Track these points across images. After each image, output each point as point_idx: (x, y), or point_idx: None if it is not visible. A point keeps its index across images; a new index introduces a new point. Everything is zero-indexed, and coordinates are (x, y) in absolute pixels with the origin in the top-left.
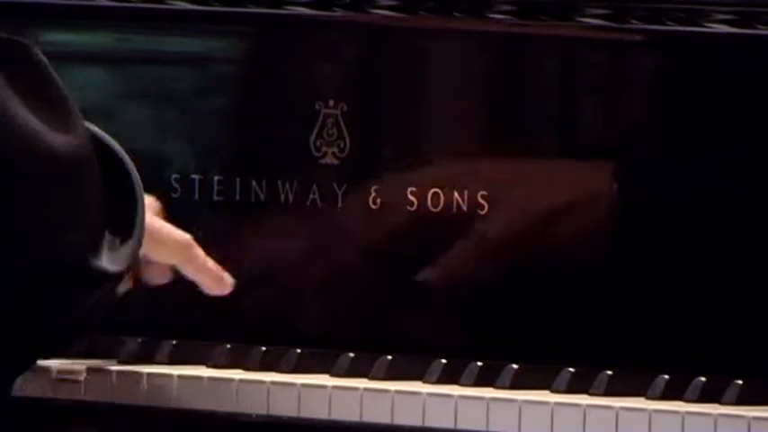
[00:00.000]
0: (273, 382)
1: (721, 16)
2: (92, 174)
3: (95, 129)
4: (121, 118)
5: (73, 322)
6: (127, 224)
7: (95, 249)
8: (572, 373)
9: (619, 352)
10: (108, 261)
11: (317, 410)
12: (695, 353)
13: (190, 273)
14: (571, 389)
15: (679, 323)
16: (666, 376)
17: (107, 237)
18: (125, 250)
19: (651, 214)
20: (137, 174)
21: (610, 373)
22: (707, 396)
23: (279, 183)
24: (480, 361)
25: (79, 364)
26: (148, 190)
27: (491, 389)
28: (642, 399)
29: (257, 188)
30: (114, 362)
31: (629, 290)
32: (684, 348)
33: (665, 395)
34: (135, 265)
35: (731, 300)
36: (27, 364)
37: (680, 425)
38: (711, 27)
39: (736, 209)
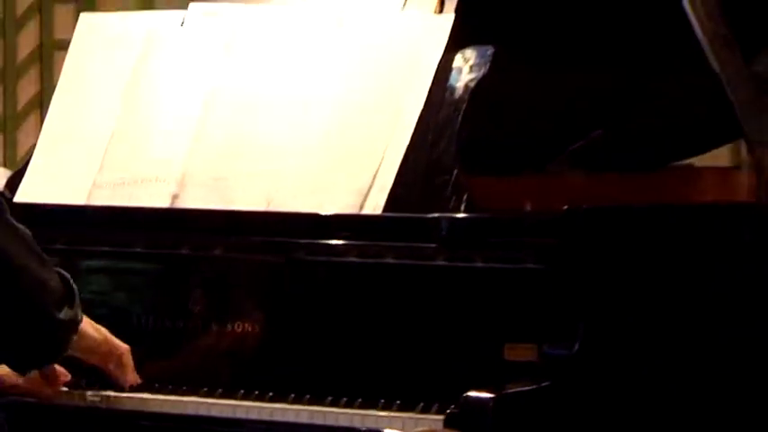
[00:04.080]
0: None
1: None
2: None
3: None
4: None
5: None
6: (72, 301)
7: (60, 308)
8: None
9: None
10: (63, 315)
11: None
12: None
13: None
14: None
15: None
16: None
17: (65, 306)
18: (72, 312)
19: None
20: (75, 286)
21: None
22: None
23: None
24: None
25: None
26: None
27: None
28: None
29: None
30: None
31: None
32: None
33: None
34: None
35: None
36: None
37: None
38: None
39: None
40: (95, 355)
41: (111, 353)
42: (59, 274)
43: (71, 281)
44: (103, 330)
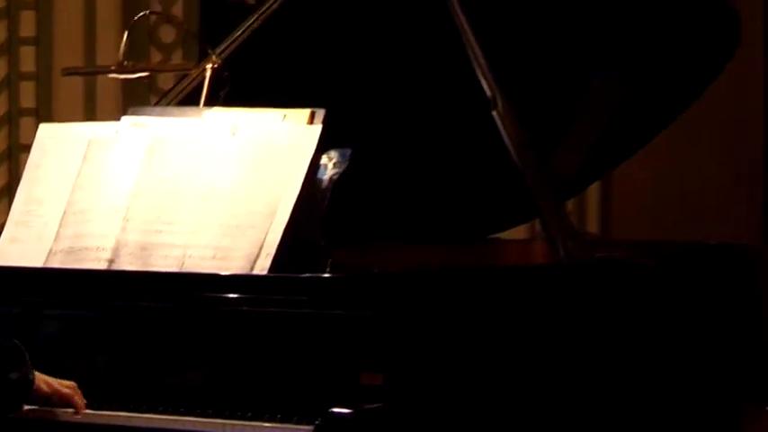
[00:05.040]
0: None
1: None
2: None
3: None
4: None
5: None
6: (22, 365)
7: (11, 371)
8: None
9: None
10: (13, 376)
11: None
12: None
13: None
14: None
15: None
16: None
17: (14, 371)
18: (20, 374)
19: None
20: (26, 353)
21: None
22: None
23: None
24: None
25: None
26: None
27: None
28: None
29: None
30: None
31: None
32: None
33: None
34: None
35: None
36: None
37: None
38: None
39: None
40: (50, 397)
41: (61, 393)
42: (12, 343)
43: (22, 348)
44: (52, 383)
